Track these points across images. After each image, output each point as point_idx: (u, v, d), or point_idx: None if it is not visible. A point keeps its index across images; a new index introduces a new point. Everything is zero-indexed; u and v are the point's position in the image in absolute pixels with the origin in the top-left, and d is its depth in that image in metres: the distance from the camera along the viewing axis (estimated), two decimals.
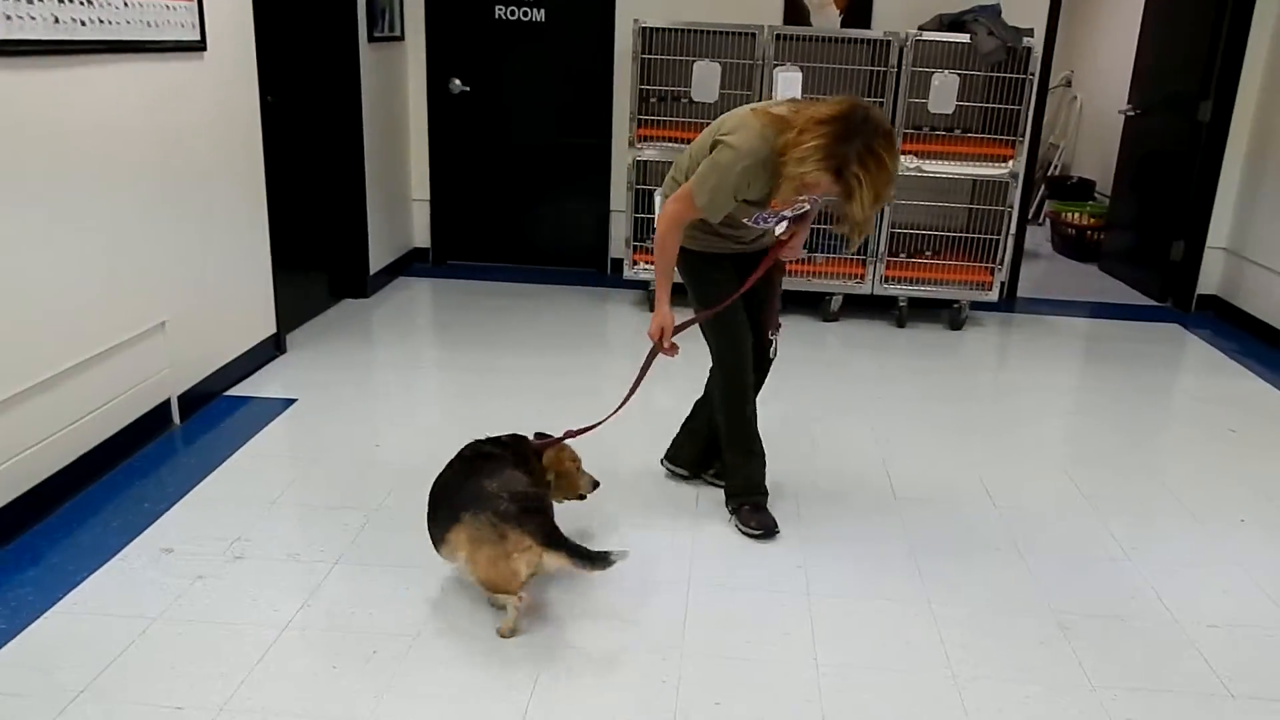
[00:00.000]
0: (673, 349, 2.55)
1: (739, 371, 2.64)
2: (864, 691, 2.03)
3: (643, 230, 4.67)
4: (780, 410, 3.69)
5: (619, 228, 4.98)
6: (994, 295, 4.64)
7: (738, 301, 2.56)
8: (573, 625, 2.21)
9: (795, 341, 4.41)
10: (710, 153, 2.34)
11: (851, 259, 4.61)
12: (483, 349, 4.10)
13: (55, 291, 2.56)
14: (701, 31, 4.45)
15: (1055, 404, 3.94)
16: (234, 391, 3.45)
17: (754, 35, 4.40)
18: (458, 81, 5.14)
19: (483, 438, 2.40)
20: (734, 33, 4.44)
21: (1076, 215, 6.31)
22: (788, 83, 4.34)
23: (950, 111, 4.41)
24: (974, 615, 2.33)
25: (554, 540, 2.10)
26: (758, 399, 2.74)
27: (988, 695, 2.04)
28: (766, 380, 2.78)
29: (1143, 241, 5.58)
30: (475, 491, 2.15)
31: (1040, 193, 7.04)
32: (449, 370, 3.95)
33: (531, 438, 2.51)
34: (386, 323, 4.46)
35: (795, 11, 4.82)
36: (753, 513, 2.65)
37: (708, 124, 4.35)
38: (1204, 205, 5.10)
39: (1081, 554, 2.64)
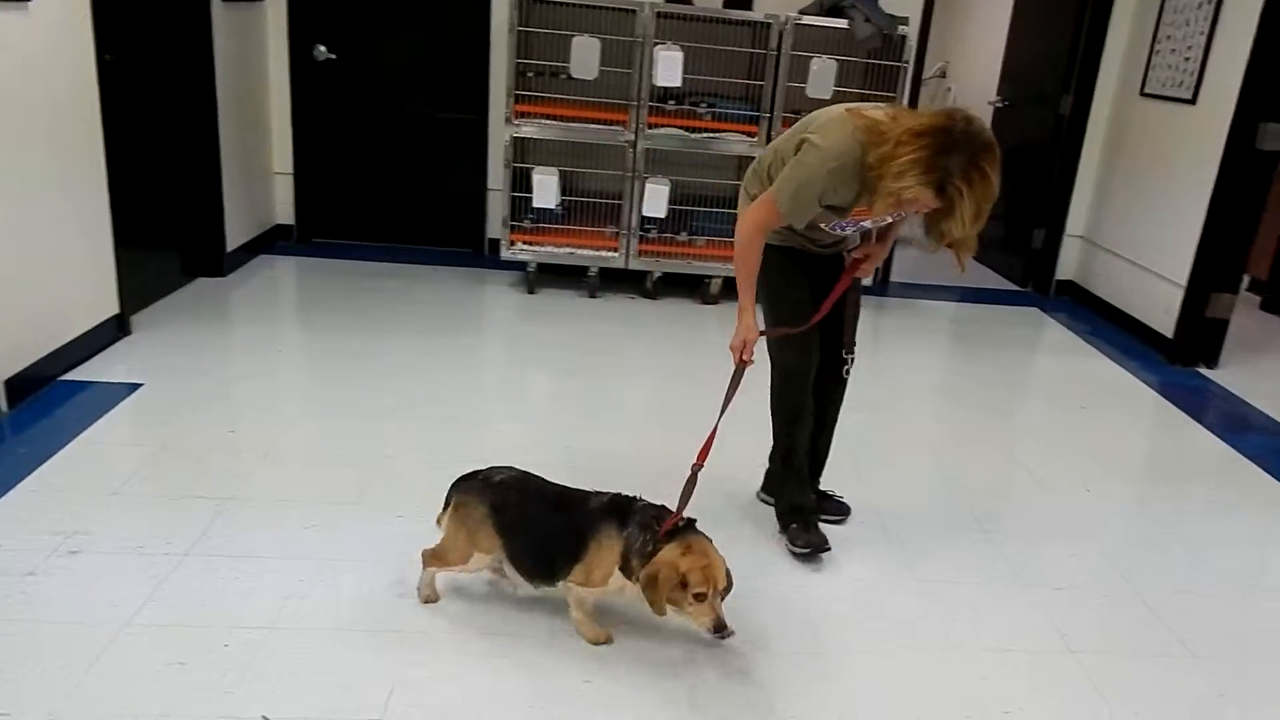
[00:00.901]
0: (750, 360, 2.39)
1: (798, 388, 2.56)
2: (729, 663, 2.11)
3: (520, 209, 4.65)
4: (663, 393, 3.77)
5: (496, 206, 4.94)
6: (868, 280, 4.84)
7: (809, 314, 2.47)
8: (434, 612, 2.21)
9: (678, 324, 4.50)
10: (796, 152, 2.23)
11: (730, 242, 4.71)
12: (351, 332, 4.00)
13: None
14: (581, 6, 4.45)
15: (923, 383, 4.15)
16: (71, 376, 3.26)
17: (634, 12, 4.42)
18: (323, 48, 4.97)
19: (632, 495, 2.14)
20: (614, 9, 4.45)
21: None
22: (668, 62, 4.39)
23: (828, 97, 4.53)
24: (839, 586, 2.45)
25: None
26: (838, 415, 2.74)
27: (854, 659, 2.16)
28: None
29: (1007, 229, 5.92)
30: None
31: None
32: (313, 354, 3.84)
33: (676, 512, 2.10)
34: (245, 303, 4.30)
35: None
36: (800, 531, 2.58)
37: (587, 101, 4.51)
38: (1063, 195, 5.45)
39: (941, 526, 2.80)
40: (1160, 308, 4.78)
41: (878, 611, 2.37)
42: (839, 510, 2.77)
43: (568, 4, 4.45)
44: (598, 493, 2.15)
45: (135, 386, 3.23)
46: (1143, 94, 5.03)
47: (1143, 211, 5.01)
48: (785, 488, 2.66)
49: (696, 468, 2.21)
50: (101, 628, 2.03)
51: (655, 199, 4.50)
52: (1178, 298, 4.64)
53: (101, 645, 1.98)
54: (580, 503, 2.12)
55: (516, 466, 2.25)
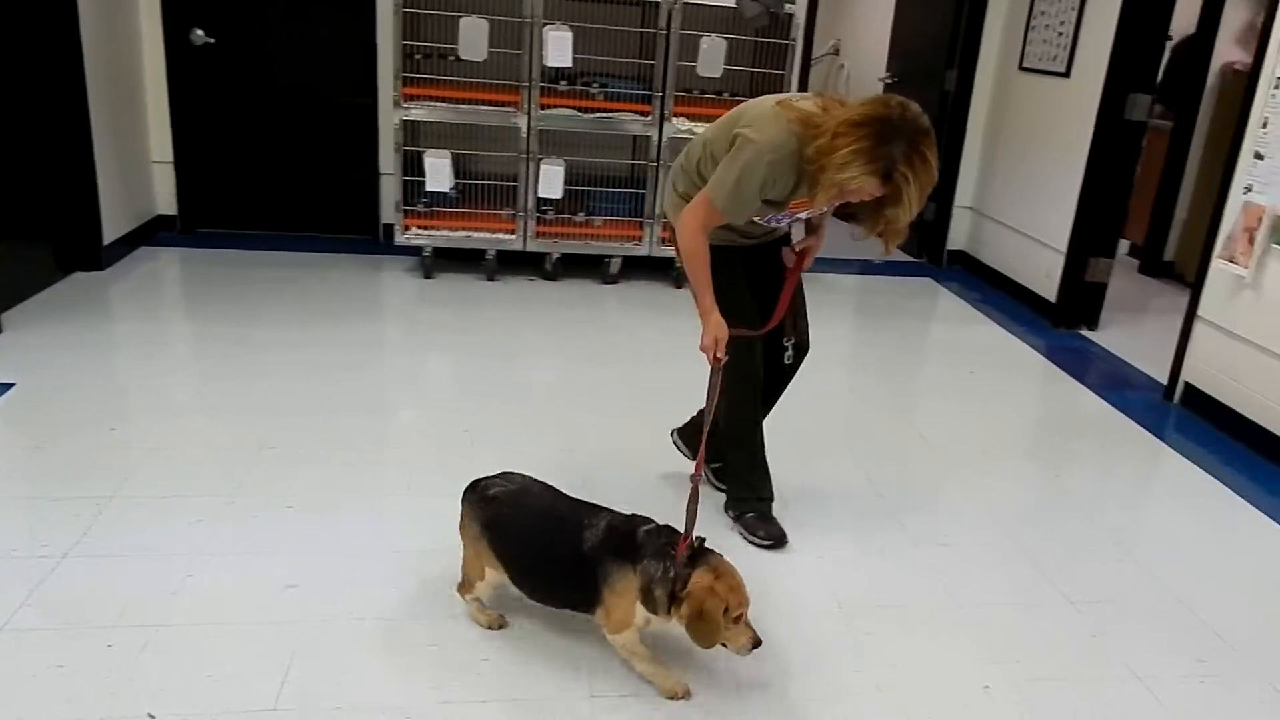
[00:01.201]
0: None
1: (748, 381, 2.55)
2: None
3: (414, 193, 4.60)
4: (566, 373, 3.80)
5: (389, 191, 4.87)
6: None
7: (753, 308, 2.46)
8: (325, 601, 2.20)
9: (578, 304, 4.53)
10: (731, 147, 2.22)
11: (629, 221, 4.77)
12: (241, 323, 3.90)
13: None
14: None
15: (823, 353, 4.27)
16: None
17: None
18: (200, 32, 4.81)
19: (628, 515, 2.04)
20: None
21: None
22: (558, 42, 4.39)
23: (718, 75, 4.61)
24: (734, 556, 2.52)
25: None
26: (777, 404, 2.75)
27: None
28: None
29: None
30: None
31: None
32: (201, 345, 3.74)
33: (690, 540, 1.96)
34: (126, 297, 4.15)
35: None
36: (759, 521, 2.61)
37: (477, 82, 4.48)
38: (951, 168, 5.66)
39: (840, 494, 2.91)
40: (1043, 273, 5.02)
41: (775, 576, 2.45)
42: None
43: None
44: (592, 514, 2.02)
45: (6, 386, 3.10)
46: (1021, 68, 5.26)
47: (1024, 182, 5.24)
48: (748, 475, 2.66)
49: (696, 479, 2.11)
50: None
51: (550, 180, 4.50)
52: (1059, 263, 4.89)
53: None
54: (576, 532, 1.97)
55: (519, 473, 2.15)
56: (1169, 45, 6.27)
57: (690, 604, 1.85)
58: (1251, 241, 3.58)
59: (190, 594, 2.16)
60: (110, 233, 4.42)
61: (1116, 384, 4.16)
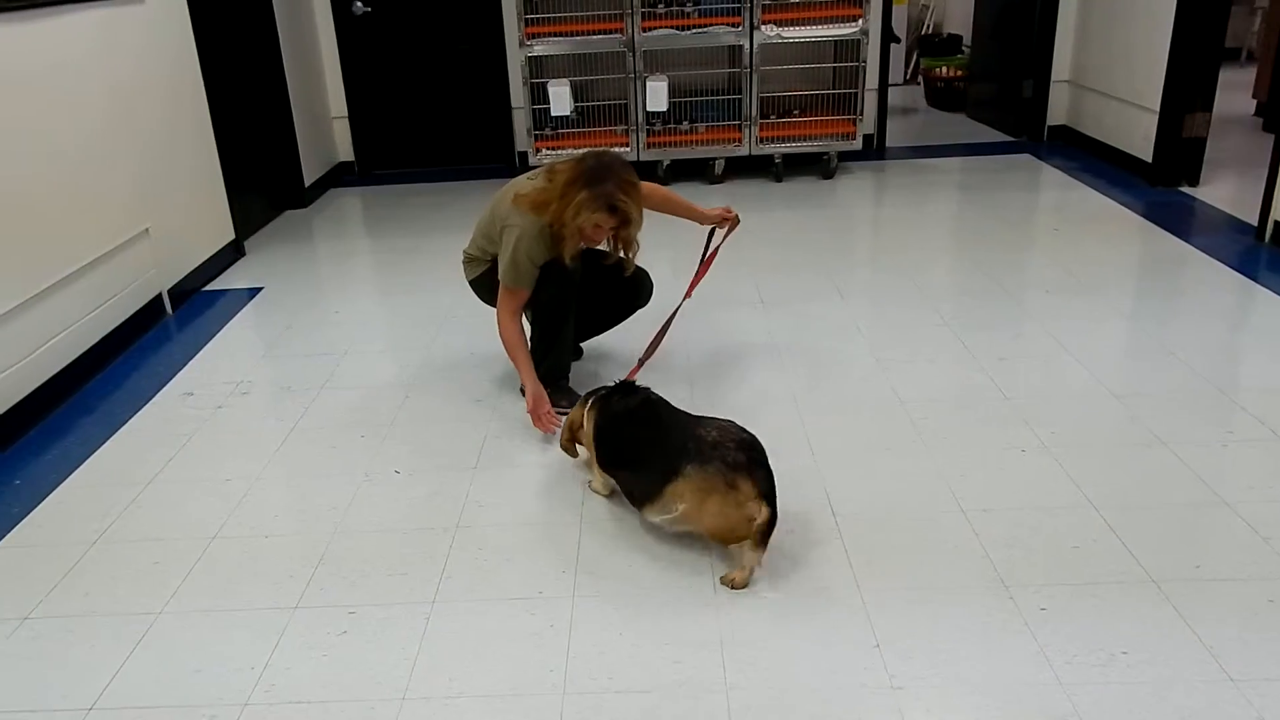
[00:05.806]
0: (552, 421, 2.91)
1: (565, 300, 3.04)
2: None
3: (541, 120, 5.67)
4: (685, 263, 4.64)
5: (520, 122, 5.95)
6: (858, 144, 5.73)
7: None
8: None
9: None
10: (500, 237, 2.96)
11: (729, 125, 5.66)
12: (410, 236, 5.14)
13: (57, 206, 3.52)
14: None
15: (925, 219, 5.00)
16: (210, 287, 4.50)
17: None
18: (359, 4, 6.04)
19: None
20: None
21: (945, 69, 7.42)
22: None
23: None
24: (839, 417, 3.01)
25: (770, 498, 2.19)
26: None
27: (844, 467, 2.73)
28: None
29: (999, 84, 6.69)
30: (691, 444, 2.24)
31: (915, 52, 8.07)
32: (382, 254, 5.01)
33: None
34: (325, 225, 5.49)
35: None
36: (557, 394, 3.08)
37: (587, 15, 5.44)
38: (1046, 44, 6.19)
39: (928, 353, 3.41)
40: (1140, 135, 5.44)
41: (876, 433, 2.90)
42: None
43: None
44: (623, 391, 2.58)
45: (257, 290, 4.43)
46: None
47: (1117, 48, 5.70)
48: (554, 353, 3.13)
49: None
50: (270, 435, 3.17)
51: (656, 95, 5.45)
52: (1155, 123, 5.30)
53: (278, 443, 3.12)
54: (666, 404, 2.51)
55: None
56: None
57: None
58: None
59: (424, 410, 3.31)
60: (308, 178, 5.79)
61: (1209, 231, 4.56)
